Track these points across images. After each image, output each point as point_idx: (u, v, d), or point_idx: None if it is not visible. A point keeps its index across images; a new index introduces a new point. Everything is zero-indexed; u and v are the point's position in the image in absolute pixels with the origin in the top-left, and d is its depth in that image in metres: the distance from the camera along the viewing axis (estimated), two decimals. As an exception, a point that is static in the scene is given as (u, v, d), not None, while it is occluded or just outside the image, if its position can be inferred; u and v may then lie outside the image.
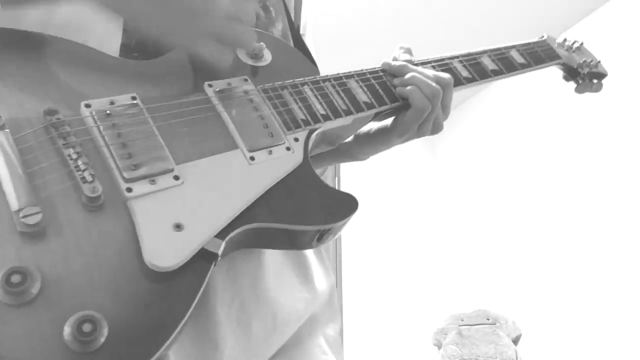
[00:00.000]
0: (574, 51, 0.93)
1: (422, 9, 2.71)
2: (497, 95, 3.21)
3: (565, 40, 0.90)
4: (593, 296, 2.28)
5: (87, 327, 0.34)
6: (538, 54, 0.88)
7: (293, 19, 0.71)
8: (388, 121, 0.68)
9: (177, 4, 0.49)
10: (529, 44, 0.88)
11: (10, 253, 0.36)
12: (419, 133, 0.69)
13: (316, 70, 0.63)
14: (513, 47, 0.85)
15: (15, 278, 0.34)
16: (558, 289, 2.45)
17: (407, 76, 0.65)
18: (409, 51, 0.76)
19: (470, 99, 3.41)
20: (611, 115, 2.40)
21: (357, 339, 2.69)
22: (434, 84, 0.65)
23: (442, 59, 0.74)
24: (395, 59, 0.73)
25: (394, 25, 2.81)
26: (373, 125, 0.71)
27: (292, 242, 0.51)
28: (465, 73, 0.76)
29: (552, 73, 0.93)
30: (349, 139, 0.73)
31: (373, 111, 0.61)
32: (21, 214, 0.36)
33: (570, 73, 0.94)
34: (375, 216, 3.00)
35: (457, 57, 0.77)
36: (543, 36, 0.90)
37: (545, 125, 2.78)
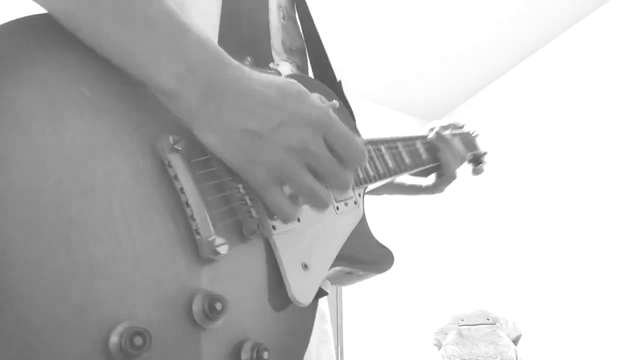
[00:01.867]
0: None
1: (419, 12, 2.71)
2: (496, 95, 3.21)
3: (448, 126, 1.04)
4: (593, 296, 2.28)
5: (265, 355, 0.39)
6: (469, 144, 1.04)
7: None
8: (424, 180, 0.92)
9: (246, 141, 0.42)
10: (462, 133, 1.04)
11: (195, 278, 0.38)
12: (442, 190, 0.93)
13: (355, 126, 0.70)
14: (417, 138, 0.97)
15: (219, 305, 0.37)
16: (558, 289, 2.45)
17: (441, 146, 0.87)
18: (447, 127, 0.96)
19: (470, 99, 3.41)
20: (611, 116, 2.40)
21: (357, 339, 2.69)
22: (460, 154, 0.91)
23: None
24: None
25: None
26: (404, 180, 0.95)
27: (347, 281, 0.58)
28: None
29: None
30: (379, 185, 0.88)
31: (410, 172, 0.75)
32: (215, 243, 0.38)
33: (475, 160, 1.11)
34: (375, 216, 3.00)
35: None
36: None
37: (545, 127, 2.78)
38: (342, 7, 2.68)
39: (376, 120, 3.31)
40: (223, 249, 0.39)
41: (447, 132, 0.91)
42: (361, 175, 0.62)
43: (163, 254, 0.37)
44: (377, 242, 0.60)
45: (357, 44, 2.93)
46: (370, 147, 0.67)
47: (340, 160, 0.44)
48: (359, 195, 0.60)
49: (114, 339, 0.32)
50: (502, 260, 2.84)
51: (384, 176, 0.66)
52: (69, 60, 0.38)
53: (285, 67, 0.66)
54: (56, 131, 0.34)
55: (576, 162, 2.53)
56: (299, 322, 0.45)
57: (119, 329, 0.32)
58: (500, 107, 3.15)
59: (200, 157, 0.42)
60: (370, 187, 0.65)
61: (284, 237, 0.46)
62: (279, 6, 0.68)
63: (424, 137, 0.88)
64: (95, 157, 0.36)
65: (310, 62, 0.75)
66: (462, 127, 1.05)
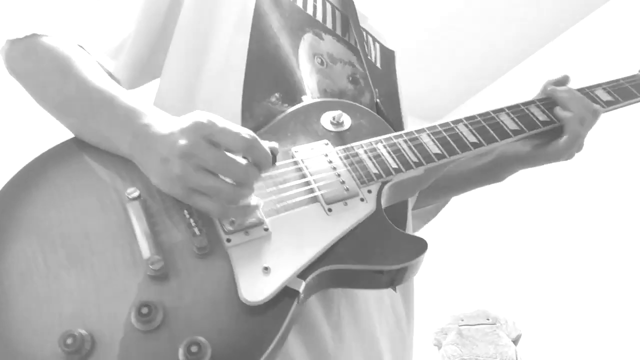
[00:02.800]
0: None
1: (419, 12, 2.71)
2: (496, 95, 3.21)
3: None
4: (593, 296, 2.27)
5: (194, 349, 0.44)
6: (628, 90, 0.94)
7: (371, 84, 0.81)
8: (540, 146, 0.81)
9: (154, 157, 0.54)
10: (617, 80, 0.96)
11: (142, 291, 0.48)
12: (570, 156, 0.84)
13: (391, 130, 0.71)
14: (599, 85, 0.92)
15: (144, 310, 0.45)
16: (558, 289, 2.45)
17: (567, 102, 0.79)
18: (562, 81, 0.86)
19: (470, 99, 3.41)
20: (611, 115, 2.40)
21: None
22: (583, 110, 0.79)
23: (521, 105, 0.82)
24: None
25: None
26: (520, 148, 0.84)
27: (369, 282, 0.59)
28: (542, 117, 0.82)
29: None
30: (489, 160, 0.85)
31: (444, 161, 0.68)
32: (149, 262, 0.48)
33: None
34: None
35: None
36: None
37: (545, 125, 2.78)
38: (342, 8, 2.68)
39: (376, 120, 3.31)
40: (156, 265, 0.48)
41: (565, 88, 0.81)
42: (374, 171, 0.63)
43: (118, 278, 0.49)
44: (400, 233, 0.59)
45: (357, 44, 2.93)
46: (399, 139, 0.67)
47: (230, 150, 0.52)
48: (369, 191, 0.61)
49: (69, 340, 0.43)
50: (502, 260, 2.84)
51: (418, 164, 0.65)
52: (79, 155, 0.59)
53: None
54: (55, 206, 0.54)
55: (576, 162, 2.53)
56: (261, 323, 0.48)
57: (74, 332, 0.44)
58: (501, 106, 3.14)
59: (155, 198, 0.55)
60: (401, 177, 0.64)
61: (243, 247, 0.52)
62: (314, 54, 0.76)
63: (510, 107, 0.80)
64: (81, 217, 0.53)
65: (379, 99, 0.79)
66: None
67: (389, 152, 0.66)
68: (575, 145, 0.82)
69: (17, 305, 0.47)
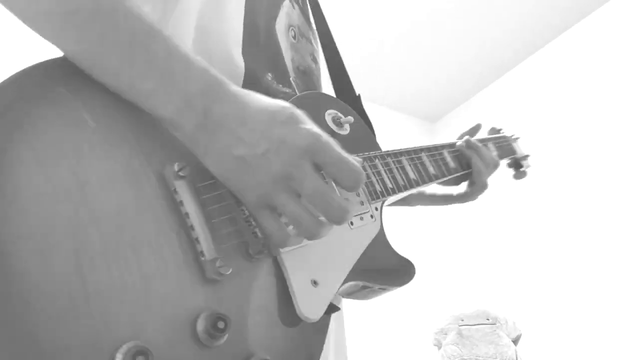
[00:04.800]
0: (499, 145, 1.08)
1: (419, 13, 2.71)
2: (496, 96, 3.21)
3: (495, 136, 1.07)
4: (593, 296, 2.28)
5: None
6: (504, 149, 1.05)
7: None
8: (456, 188, 0.93)
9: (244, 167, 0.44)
10: (497, 137, 1.05)
11: (199, 298, 0.40)
12: (475, 199, 0.94)
13: (376, 143, 0.70)
14: (488, 140, 1.01)
15: (221, 324, 0.38)
16: (558, 289, 2.45)
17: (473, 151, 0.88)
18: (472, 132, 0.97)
19: (470, 99, 3.41)
20: (612, 116, 2.40)
21: (357, 339, 2.69)
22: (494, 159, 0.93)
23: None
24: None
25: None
26: (435, 190, 0.95)
27: (365, 295, 0.58)
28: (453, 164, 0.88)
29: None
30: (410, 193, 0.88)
31: (437, 181, 0.74)
32: (217, 264, 0.41)
33: (515, 164, 1.14)
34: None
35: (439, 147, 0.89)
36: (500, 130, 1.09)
37: (545, 127, 2.78)
38: (343, 8, 2.68)
39: (376, 120, 3.31)
40: (226, 270, 0.41)
41: (475, 139, 0.91)
42: (378, 189, 0.62)
43: (169, 277, 0.39)
44: (397, 254, 0.60)
45: (357, 44, 2.93)
46: (389, 159, 0.67)
47: (337, 184, 0.44)
48: (376, 209, 0.61)
49: (118, 357, 0.33)
50: (502, 260, 2.84)
51: (404, 188, 0.67)
52: (84, 98, 0.41)
53: (294, 87, 0.68)
54: (70, 165, 0.38)
55: (576, 162, 2.53)
56: (309, 338, 0.46)
57: (124, 348, 0.34)
58: (500, 108, 3.15)
59: (206, 181, 0.44)
60: (391, 199, 0.66)
61: (292, 255, 0.47)
62: (289, 25, 0.71)
63: (451, 145, 0.88)
64: (106, 188, 0.39)
65: (330, 77, 0.77)
66: (499, 130, 1.06)
67: (385, 171, 0.66)
68: (483, 191, 0.93)
69: (42, 307, 0.33)
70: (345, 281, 0.52)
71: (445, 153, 0.84)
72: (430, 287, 3.11)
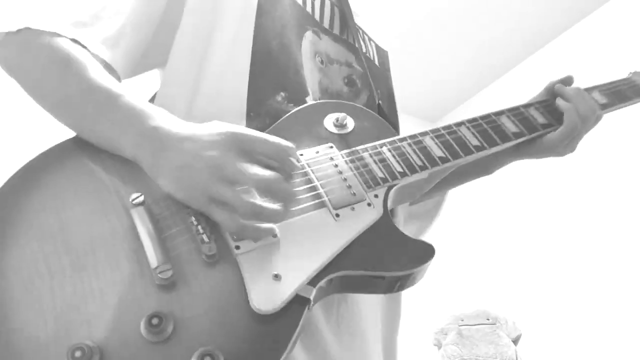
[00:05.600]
0: None
1: (419, 13, 2.71)
2: (496, 96, 3.21)
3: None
4: (593, 296, 2.27)
5: None
6: (623, 92, 0.94)
7: (374, 87, 0.80)
8: (533, 140, 0.80)
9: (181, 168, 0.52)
10: (611, 82, 0.96)
11: (151, 301, 0.46)
12: (562, 152, 0.82)
13: (394, 132, 0.70)
14: (595, 88, 0.92)
15: (155, 320, 0.44)
16: (558, 289, 2.45)
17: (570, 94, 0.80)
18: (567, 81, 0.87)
19: (470, 99, 3.41)
20: (611, 116, 2.40)
21: (357, 339, 2.69)
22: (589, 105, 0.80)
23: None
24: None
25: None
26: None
27: (376, 287, 0.57)
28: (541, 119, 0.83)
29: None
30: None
31: (448, 164, 0.68)
32: (157, 270, 0.47)
33: None
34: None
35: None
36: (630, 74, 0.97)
37: (545, 125, 2.77)
38: (342, 7, 2.68)
39: (376, 120, 3.31)
40: (165, 274, 0.47)
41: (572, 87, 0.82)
42: (379, 175, 0.62)
43: (125, 287, 0.47)
44: (407, 238, 0.59)
45: (357, 44, 2.93)
46: (404, 142, 0.67)
47: (269, 158, 0.52)
48: (375, 196, 0.60)
49: (78, 353, 0.41)
50: (502, 260, 2.84)
51: (423, 168, 0.65)
52: (73, 159, 0.57)
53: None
54: (57, 209, 0.52)
55: (576, 162, 2.53)
56: (272, 332, 0.47)
57: (82, 345, 0.42)
58: (500, 108, 3.15)
59: (160, 203, 0.53)
60: (409, 180, 0.64)
61: (252, 254, 0.51)
62: (315, 52, 0.75)
63: (538, 102, 0.81)
64: (82, 224, 0.51)
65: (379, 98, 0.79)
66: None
67: (393, 156, 0.65)
68: (569, 138, 0.80)
69: (20, 318, 0.44)
70: (327, 272, 0.52)
71: (518, 114, 0.79)
72: (430, 287, 3.10)
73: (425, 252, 0.57)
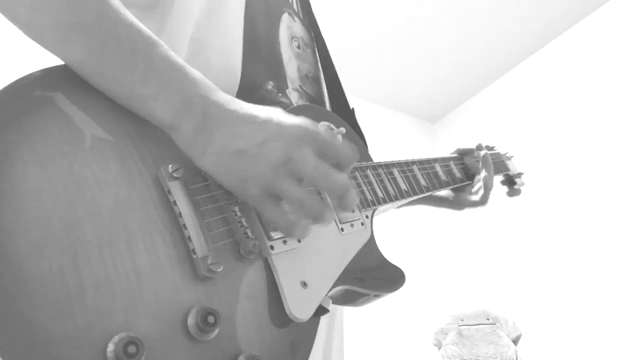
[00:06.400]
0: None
1: (419, 13, 2.71)
2: (496, 96, 3.21)
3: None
4: (593, 296, 2.28)
5: None
6: (496, 166, 1.12)
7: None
8: (457, 195, 1.02)
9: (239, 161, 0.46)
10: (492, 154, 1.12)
11: (191, 293, 0.42)
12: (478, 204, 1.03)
13: (368, 154, 0.73)
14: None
15: (211, 319, 0.40)
16: (558, 289, 2.45)
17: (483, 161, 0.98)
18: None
19: (470, 99, 3.41)
20: (611, 116, 2.40)
21: (357, 339, 2.69)
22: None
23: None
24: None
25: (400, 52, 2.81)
26: (447, 196, 1.03)
27: (350, 300, 0.59)
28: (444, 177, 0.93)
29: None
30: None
31: (427, 193, 0.78)
32: (209, 261, 0.42)
33: (509, 181, 1.23)
34: (375, 216, 2.99)
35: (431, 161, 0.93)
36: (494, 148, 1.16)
37: (545, 127, 2.78)
38: (343, 8, 2.68)
39: (376, 120, 3.31)
40: (217, 267, 0.42)
41: (483, 153, 0.99)
42: (369, 197, 0.64)
43: (162, 272, 0.41)
44: (387, 262, 0.62)
45: (356, 45, 2.93)
46: (380, 170, 0.70)
47: (335, 165, 0.48)
48: (367, 217, 0.63)
49: (110, 347, 0.36)
50: (502, 260, 2.84)
51: (395, 198, 0.69)
52: (82, 103, 0.44)
53: (294, 97, 0.69)
54: (69, 164, 0.40)
55: (576, 162, 2.53)
56: (298, 338, 0.47)
57: (116, 338, 0.36)
58: (500, 108, 3.15)
59: (199, 183, 0.47)
60: (382, 208, 0.68)
61: (283, 256, 0.49)
62: (292, 37, 0.73)
63: (448, 159, 0.94)
64: (103, 186, 0.41)
65: (327, 90, 0.78)
66: (492, 148, 1.13)
67: (376, 181, 0.68)
68: (481, 204, 1.01)
69: (49, 301, 0.35)
70: (335, 285, 0.53)
71: (445, 166, 0.91)
72: (430, 287, 3.11)
73: (401, 276, 0.62)
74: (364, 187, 0.65)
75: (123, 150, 0.44)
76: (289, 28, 0.73)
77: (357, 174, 0.65)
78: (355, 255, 0.58)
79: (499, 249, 2.89)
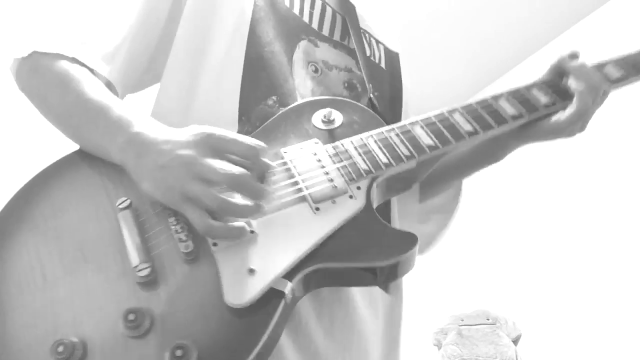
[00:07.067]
0: None
1: (419, 13, 2.71)
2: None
3: None
4: (593, 296, 2.28)
5: (179, 353, 0.44)
6: (639, 64, 0.88)
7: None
8: (540, 121, 0.75)
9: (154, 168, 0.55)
10: (627, 55, 0.92)
11: (131, 298, 0.49)
12: (571, 133, 0.77)
13: (383, 123, 0.69)
14: (609, 62, 0.88)
15: (131, 316, 0.47)
16: (558, 289, 2.45)
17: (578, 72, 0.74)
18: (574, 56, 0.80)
19: (471, 98, 3.40)
20: (611, 116, 2.40)
21: (357, 339, 2.69)
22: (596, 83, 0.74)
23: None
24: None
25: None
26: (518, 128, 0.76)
27: (360, 280, 0.57)
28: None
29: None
30: (491, 140, 0.78)
31: (437, 152, 0.66)
32: (137, 269, 0.50)
33: None
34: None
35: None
36: None
37: (545, 125, 2.77)
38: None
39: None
40: (143, 272, 0.50)
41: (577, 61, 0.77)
42: (363, 167, 0.62)
43: (109, 286, 0.51)
44: (391, 228, 0.59)
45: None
46: (390, 133, 0.66)
47: (239, 157, 0.55)
48: (358, 188, 0.60)
49: (60, 348, 0.45)
50: (502, 260, 2.84)
51: (410, 158, 0.64)
52: (72, 167, 0.62)
53: None
54: (56, 215, 0.57)
55: (577, 162, 2.53)
56: (247, 325, 0.48)
57: (65, 340, 0.46)
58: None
59: (146, 205, 0.56)
60: (394, 171, 0.63)
61: (229, 249, 0.52)
62: (308, 62, 0.76)
63: (506, 93, 0.77)
64: (75, 226, 0.56)
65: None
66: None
67: (379, 147, 0.64)
68: (580, 120, 0.74)
69: (13, 316, 0.49)
70: (304, 265, 0.52)
71: (503, 100, 0.75)
72: (430, 287, 3.11)
73: (407, 242, 0.55)
74: (356, 158, 0.62)
75: (97, 196, 0.58)
76: (306, 54, 0.76)
77: (349, 146, 0.64)
78: (339, 230, 0.55)
79: (499, 249, 2.89)
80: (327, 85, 0.76)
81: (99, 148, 0.61)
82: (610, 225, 2.28)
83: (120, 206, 0.56)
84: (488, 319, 2.27)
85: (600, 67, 0.80)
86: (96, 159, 0.61)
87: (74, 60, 0.66)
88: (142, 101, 0.80)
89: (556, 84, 0.78)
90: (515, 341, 2.22)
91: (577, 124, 0.74)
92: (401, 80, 0.92)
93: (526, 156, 2.74)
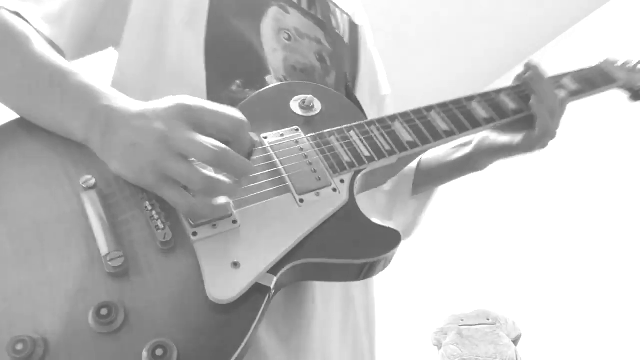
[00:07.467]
0: (636, 71, 0.95)
1: (419, 13, 2.71)
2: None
3: (626, 62, 0.96)
4: (593, 296, 2.28)
5: (159, 352, 0.40)
6: (592, 80, 0.93)
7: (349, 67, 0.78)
8: (514, 137, 0.80)
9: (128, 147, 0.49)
10: (582, 70, 0.93)
11: (101, 291, 0.44)
12: (541, 147, 0.82)
13: (362, 116, 0.68)
14: (566, 75, 0.90)
15: (104, 311, 0.42)
16: (558, 289, 2.45)
17: (540, 93, 0.77)
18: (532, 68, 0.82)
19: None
20: (612, 117, 2.40)
21: (357, 339, 2.69)
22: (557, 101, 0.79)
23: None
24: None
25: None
26: (495, 139, 0.82)
27: (342, 275, 0.55)
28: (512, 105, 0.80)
29: (554, 72, 0.92)
30: (467, 151, 0.84)
31: (417, 149, 0.65)
32: (108, 258, 0.44)
33: (634, 94, 1.03)
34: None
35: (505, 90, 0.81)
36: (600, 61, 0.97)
37: (545, 125, 2.77)
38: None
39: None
40: (116, 262, 0.44)
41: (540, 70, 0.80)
42: (346, 159, 0.60)
43: (74, 277, 0.44)
44: (374, 224, 0.57)
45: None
46: (372, 127, 0.65)
47: (220, 131, 0.49)
48: (341, 181, 0.58)
49: (19, 346, 0.39)
50: (502, 260, 2.84)
51: (390, 153, 0.63)
52: (21, 138, 0.53)
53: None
54: (0, 197, 0.48)
55: (577, 162, 2.53)
56: (230, 322, 0.44)
57: (25, 338, 0.40)
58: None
59: (114, 187, 0.50)
60: (375, 166, 0.62)
61: (210, 240, 0.48)
62: (280, 29, 0.72)
63: (507, 89, 0.79)
64: (29, 208, 0.48)
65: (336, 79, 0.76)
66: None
67: (361, 140, 0.62)
68: (547, 137, 0.81)
69: None
70: (289, 259, 0.50)
71: (475, 103, 0.75)
72: (430, 287, 3.11)
73: (391, 239, 0.55)
74: (339, 150, 0.60)
75: (49, 176, 0.50)
76: (276, 20, 0.72)
77: (331, 137, 0.61)
78: (323, 225, 0.53)
79: (498, 249, 2.89)
80: (301, 52, 0.73)
81: (55, 123, 0.52)
82: (610, 225, 2.28)
83: (84, 185, 0.49)
84: (488, 319, 2.27)
85: (558, 78, 0.86)
86: (43, 131, 0.53)
87: (16, 14, 0.57)
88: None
89: (523, 90, 0.81)
90: (515, 341, 2.22)
91: (545, 140, 0.81)
92: (360, 55, 0.87)
93: (526, 156, 2.72)
